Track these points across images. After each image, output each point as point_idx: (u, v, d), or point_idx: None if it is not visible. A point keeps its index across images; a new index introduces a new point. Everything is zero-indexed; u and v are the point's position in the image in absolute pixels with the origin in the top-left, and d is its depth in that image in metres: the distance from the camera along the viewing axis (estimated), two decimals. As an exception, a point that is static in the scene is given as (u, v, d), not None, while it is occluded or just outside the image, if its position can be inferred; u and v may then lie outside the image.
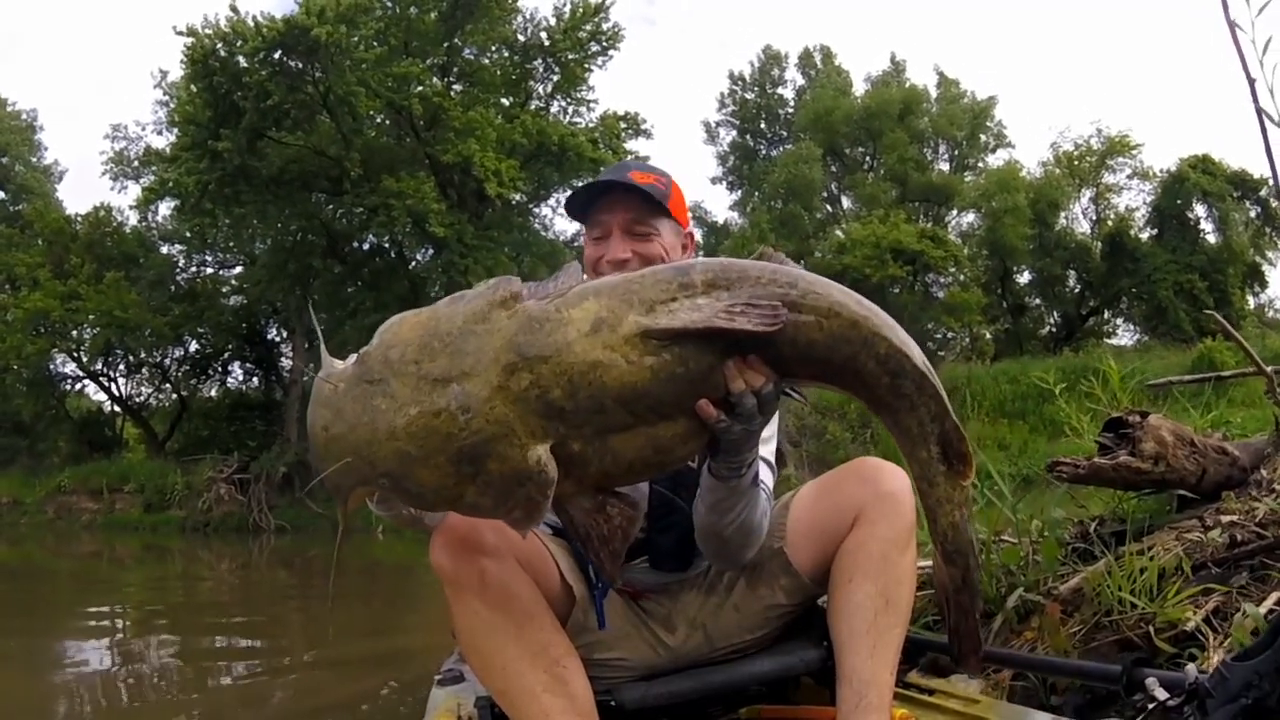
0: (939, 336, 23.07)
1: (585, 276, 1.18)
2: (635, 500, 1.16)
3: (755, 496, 1.39)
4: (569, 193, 1.64)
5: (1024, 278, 25.52)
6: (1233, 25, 1.49)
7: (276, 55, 17.29)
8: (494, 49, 20.88)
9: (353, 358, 1.12)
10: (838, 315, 1.14)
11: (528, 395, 1.05)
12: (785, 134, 30.16)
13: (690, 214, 2.04)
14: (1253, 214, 22.66)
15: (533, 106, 20.87)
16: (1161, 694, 1.14)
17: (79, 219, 22.91)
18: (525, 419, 1.05)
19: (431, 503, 1.10)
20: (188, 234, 21.91)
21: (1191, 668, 1.13)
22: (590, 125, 21.10)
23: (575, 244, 22.26)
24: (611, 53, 20.62)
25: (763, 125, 30.95)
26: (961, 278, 22.99)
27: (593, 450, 1.08)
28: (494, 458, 1.04)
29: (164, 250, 23.27)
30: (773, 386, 1.13)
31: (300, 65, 17.48)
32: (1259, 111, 1.55)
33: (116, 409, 24.70)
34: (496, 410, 1.04)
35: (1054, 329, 25.54)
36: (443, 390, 1.04)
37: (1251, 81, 1.48)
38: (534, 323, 1.07)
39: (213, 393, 25.08)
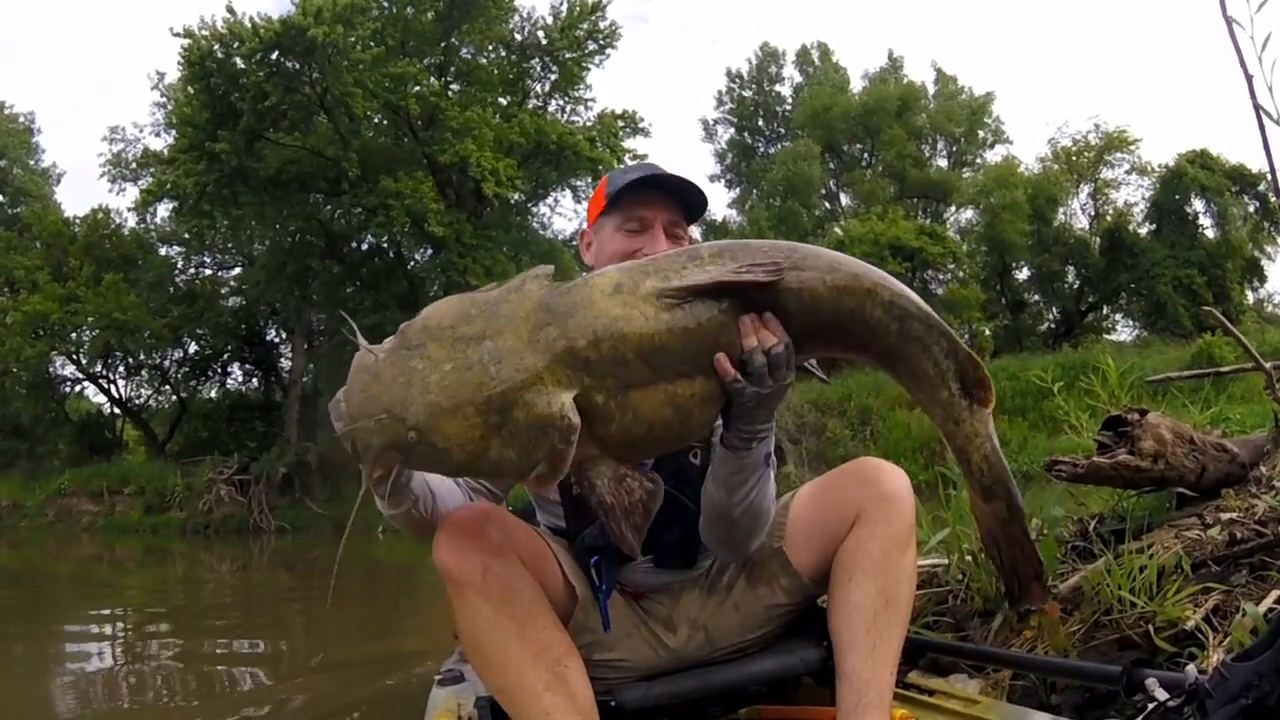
0: (938, 333, 23.01)
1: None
2: (654, 477, 1.20)
3: (765, 478, 1.41)
4: (623, 175, 1.60)
5: (1023, 274, 25.54)
6: (1230, 22, 1.48)
7: (273, 56, 17.29)
8: (491, 48, 20.87)
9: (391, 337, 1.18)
10: (838, 269, 1.23)
11: (555, 346, 1.11)
12: (783, 131, 30.17)
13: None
14: (1251, 209, 22.65)
15: (530, 105, 20.86)
16: (1161, 694, 1.14)
17: (77, 221, 22.93)
18: (552, 368, 1.11)
19: (456, 459, 1.12)
20: (186, 235, 21.89)
21: (1191, 668, 1.13)
22: (588, 124, 21.09)
23: (573, 243, 22.26)
24: (609, 51, 20.64)
25: (760, 122, 30.95)
26: (960, 274, 23.00)
27: (615, 404, 1.14)
28: (520, 405, 1.09)
29: (162, 252, 23.28)
30: (784, 348, 1.18)
31: (297, 66, 17.47)
32: (1257, 108, 1.55)
33: (116, 411, 24.73)
34: (525, 360, 1.10)
35: (1053, 325, 25.54)
36: (475, 346, 1.11)
37: (1249, 78, 1.48)
38: (561, 289, 1.17)
39: (212, 394, 25.09)
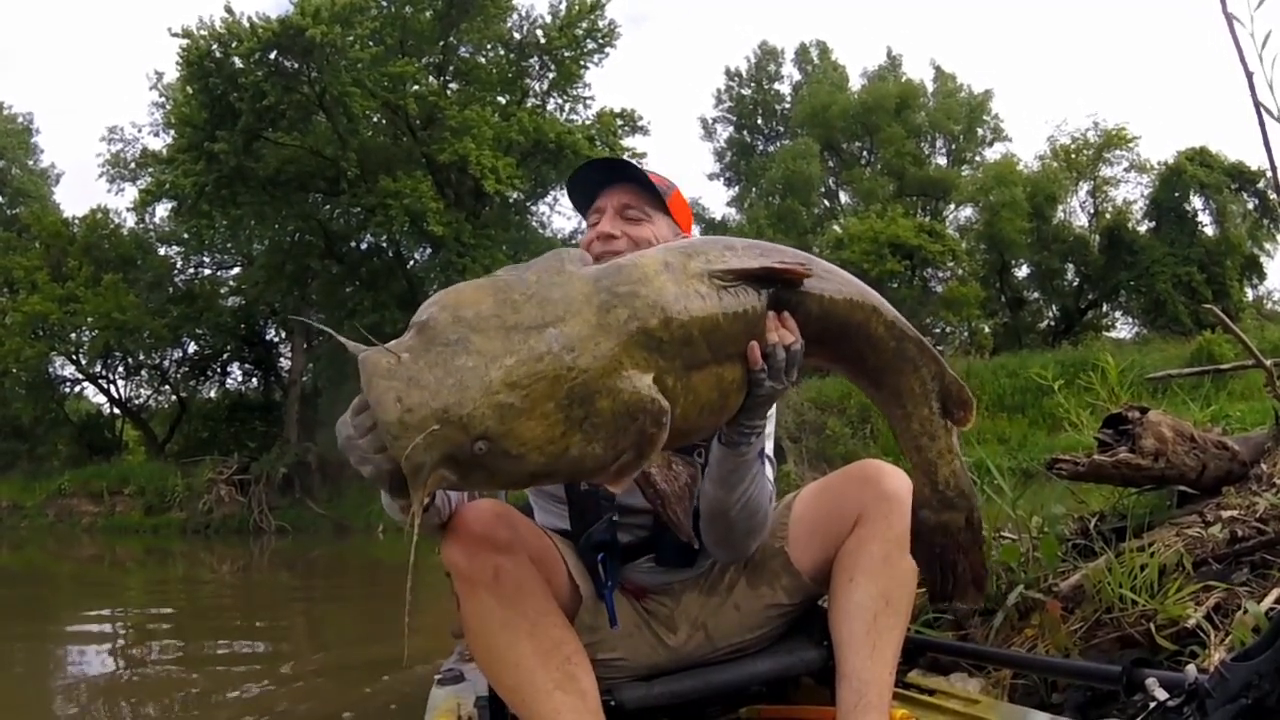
0: (937, 331, 23.06)
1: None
2: (690, 459, 1.22)
3: (761, 475, 1.42)
4: (570, 182, 1.66)
5: (1022, 271, 25.50)
6: (1230, 19, 1.48)
7: (272, 56, 17.29)
8: (490, 47, 20.86)
9: (404, 336, 1.04)
10: (851, 284, 1.30)
11: (628, 327, 1.05)
12: (782, 129, 30.13)
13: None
14: (1250, 206, 22.62)
15: (529, 104, 20.84)
16: (1161, 694, 1.14)
17: (76, 221, 22.89)
18: (630, 351, 1.05)
19: (529, 467, 1.00)
20: (185, 235, 21.86)
21: (1191, 668, 1.13)
22: (587, 122, 21.08)
23: (573, 242, 22.25)
24: (608, 50, 20.63)
25: (760, 121, 30.91)
26: (960, 272, 22.97)
27: (681, 387, 1.10)
28: (605, 394, 1.01)
29: (161, 252, 23.25)
30: (799, 347, 1.21)
31: (296, 66, 17.45)
32: (1257, 105, 1.55)
33: (116, 411, 24.73)
34: (601, 345, 1.03)
35: (1052, 322, 25.52)
36: (539, 335, 1.00)
37: (1249, 75, 1.48)
38: (610, 269, 1.11)
39: (212, 394, 25.09)
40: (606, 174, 1.61)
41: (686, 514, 1.19)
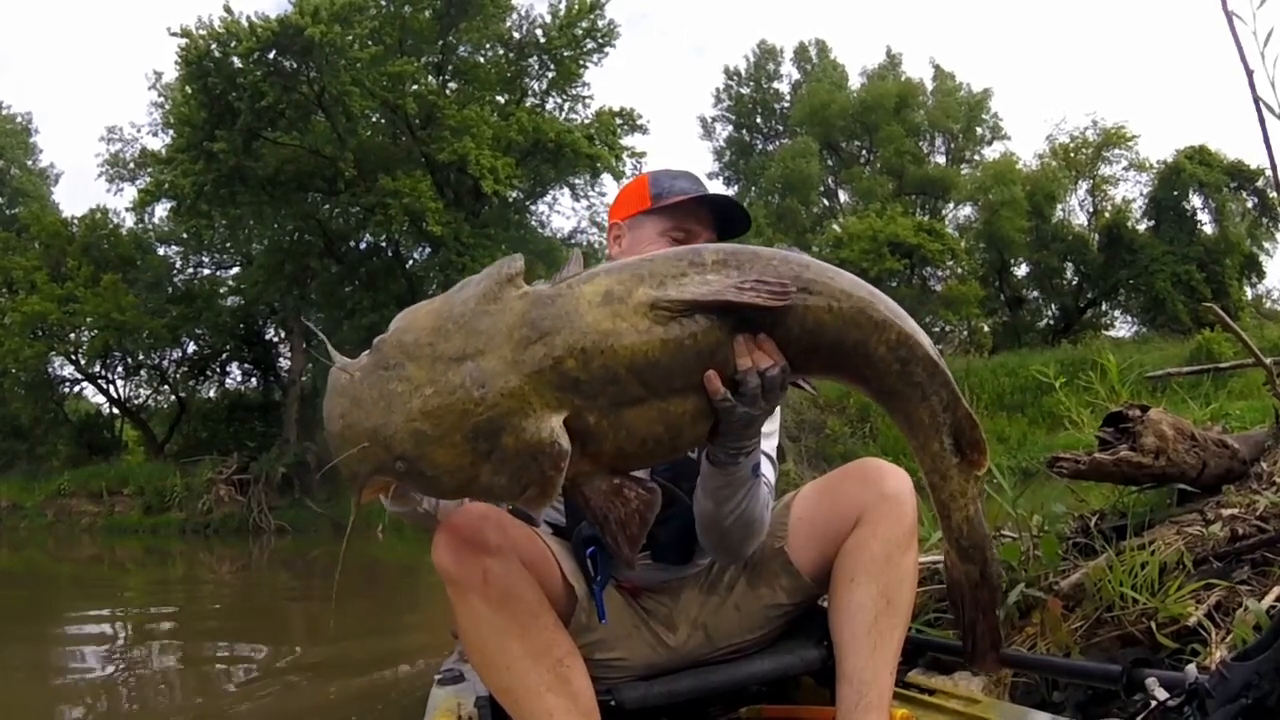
0: (937, 330, 23.04)
1: None
2: (651, 485, 1.15)
3: (755, 488, 1.39)
4: (671, 180, 1.64)
5: (1021, 270, 25.51)
6: (1230, 16, 1.48)
7: (271, 55, 17.27)
8: (489, 46, 20.84)
9: (366, 353, 1.13)
10: (849, 298, 1.15)
11: (541, 366, 1.05)
12: (781, 128, 30.15)
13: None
14: (1249, 204, 22.64)
15: (528, 103, 20.84)
16: (1161, 694, 1.14)
17: (75, 222, 22.83)
18: (540, 390, 1.05)
19: (447, 486, 1.09)
20: (184, 235, 21.89)
21: (1191, 667, 1.13)
22: (586, 121, 21.06)
23: (572, 241, 22.24)
24: (607, 49, 20.61)
25: (759, 120, 30.92)
26: (959, 271, 22.98)
27: (608, 423, 1.08)
28: (509, 431, 1.04)
29: (161, 252, 23.26)
30: (779, 371, 1.13)
31: (295, 65, 17.44)
32: (1257, 102, 1.54)
33: (115, 411, 24.69)
34: (511, 383, 1.04)
35: (1052, 321, 25.52)
36: (457, 368, 1.05)
37: (1250, 73, 1.47)
38: (545, 299, 1.09)
39: (211, 394, 25.04)
40: (712, 207, 1.61)
41: (634, 539, 1.13)
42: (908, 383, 1.20)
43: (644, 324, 1.07)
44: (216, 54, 17.28)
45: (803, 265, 1.15)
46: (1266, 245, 23.25)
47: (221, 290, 23.43)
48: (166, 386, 24.51)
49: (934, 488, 1.27)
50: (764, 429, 1.32)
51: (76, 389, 24.34)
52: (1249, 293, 23.61)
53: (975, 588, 1.32)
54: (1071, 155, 24.74)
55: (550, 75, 21.04)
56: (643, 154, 21.00)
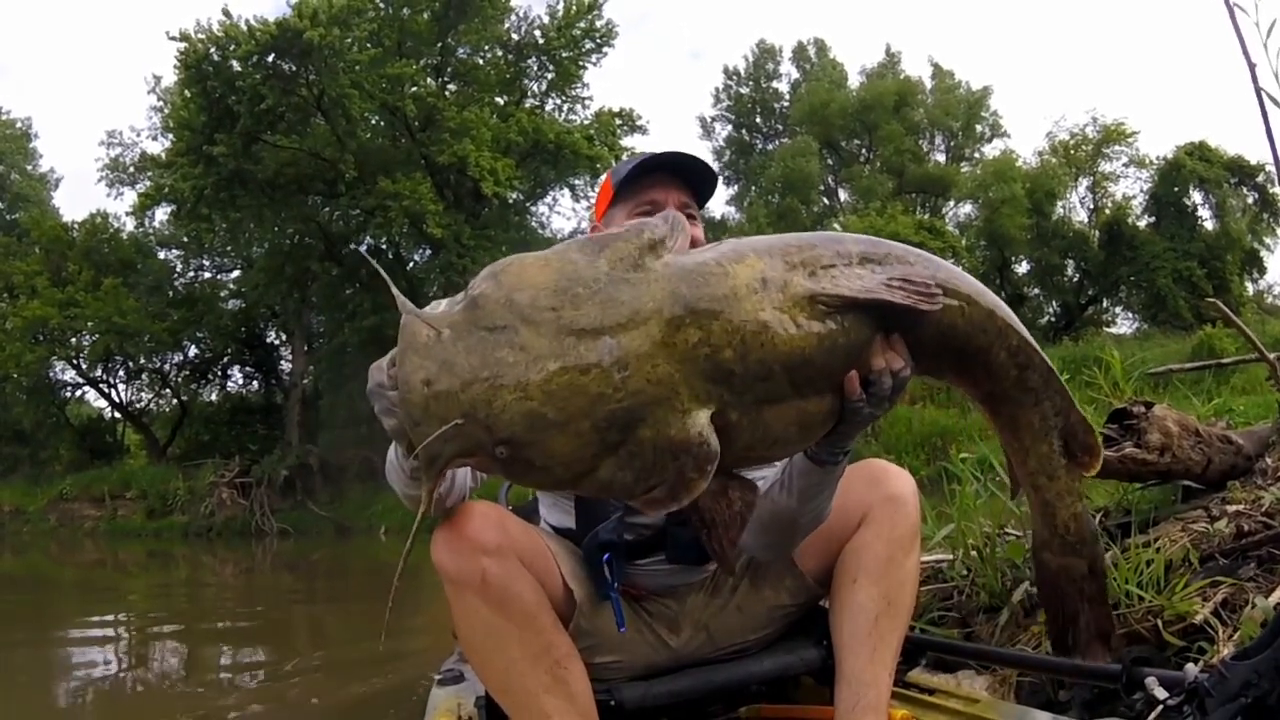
0: (938, 328, 23.00)
1: None
2: (752, 484, 1.08)
3: (837, 485, 1.37)
4: (627, 164, 1.58)
5: (1022, 267, 25.49)
6: (1232, 8, 1.47)
7: (270, 59, 17.28)
8: (487, 48, 20.84)
9: (446, 303, 0.98)
10: (977, 303, 1.13)
11: (696, 354, 0.93)
12: (781, 128, 30.12)
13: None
14: (1250, 200, 22.61)
15: (528, 105, 20.85)
16: (1161, 693, 1.13)
17: (75, 226, 22.90)
18: (691, 381, 0.93)
19: (555, 479, 0.95)
20: (184, 239, 21.90)
21: (1191, 667, 1.12)
22: (585, 122, 21.07)
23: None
24: (606, 50, 20.62)
25: (758, 119, 30.89)
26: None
27: (748, 421, 0.98)
28: (649, 424, 0.91)
29: (161, 256, 23.31)
30: (910, 372, 1.10)
31: (294, 68, 17.45)
32: (1259, 93, 1.53)
33: (117, 415, 24.74)
34: (660, 369, 0.91)
35: (1053, 318, 25.50)
36: (592, 343, 0.90)
37: (1252, 67, 1.46)
38: (695, 275, 0.96)
39: (213, 397, 25.11)
40: (669, 168, 1.55)
41: (733, 544, 1.05)
42: (1022, 388, 1.19)
43: (802, 318, 0.99)
44: (215, 58, 17.29)
45: (935, 265, 1.12)
46: (1267, 241, 23.22)
47: (222, 293, 23.48)
48: (168, 390, 24.57)
49: (1038, 488, 1.27)
50: None
51: (78, 393, 24.44)
52: (1250, 288, 23.60)
53: (1082, 580, 1.32)
54: (1071, 152, 24.71)
55: (549, 76, 21.05)
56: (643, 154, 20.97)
